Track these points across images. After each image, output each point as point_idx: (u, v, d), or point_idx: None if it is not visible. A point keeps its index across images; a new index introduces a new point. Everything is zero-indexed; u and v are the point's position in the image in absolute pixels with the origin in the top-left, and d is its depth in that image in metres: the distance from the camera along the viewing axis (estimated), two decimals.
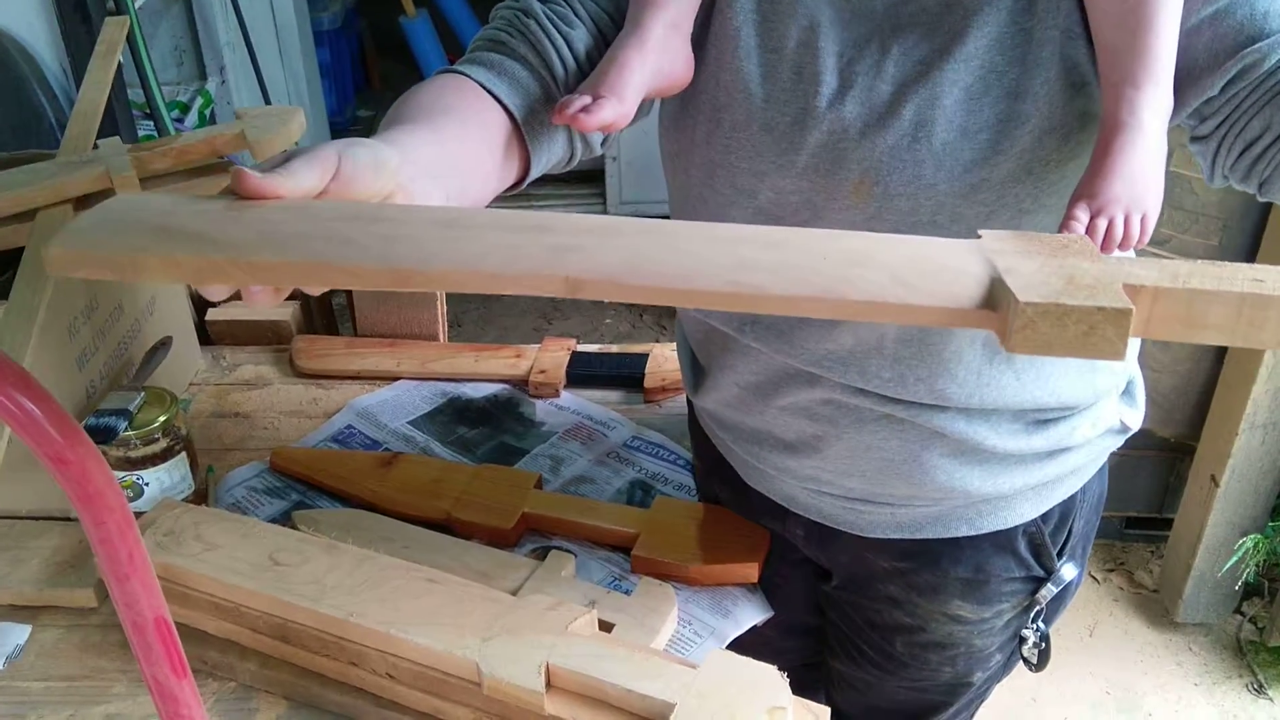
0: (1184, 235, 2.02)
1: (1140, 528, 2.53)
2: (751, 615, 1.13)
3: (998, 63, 0.81)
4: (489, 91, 0.87)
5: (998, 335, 0.50)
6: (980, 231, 0.58)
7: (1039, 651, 1.15)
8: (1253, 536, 2.17)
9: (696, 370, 1.13)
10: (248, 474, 1.30)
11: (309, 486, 1.27)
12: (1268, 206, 1.91)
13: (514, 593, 1.05)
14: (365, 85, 4.27)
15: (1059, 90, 0.81)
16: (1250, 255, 1.97)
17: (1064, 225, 0.71)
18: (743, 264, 0.54)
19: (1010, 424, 0.99)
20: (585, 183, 3.30)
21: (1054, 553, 1.09)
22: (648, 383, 1.44)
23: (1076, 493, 1.09)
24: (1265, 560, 2.21)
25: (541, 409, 1.42)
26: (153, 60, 2.33)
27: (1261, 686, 2.22)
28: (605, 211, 3.24)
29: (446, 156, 0.78)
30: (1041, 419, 1.00)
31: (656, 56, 0.85)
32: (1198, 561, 2.23)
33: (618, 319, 3.36)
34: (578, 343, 1.51)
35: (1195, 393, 2.18)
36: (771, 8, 0.88)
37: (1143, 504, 2.49)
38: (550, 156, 0.94)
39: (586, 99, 0.82)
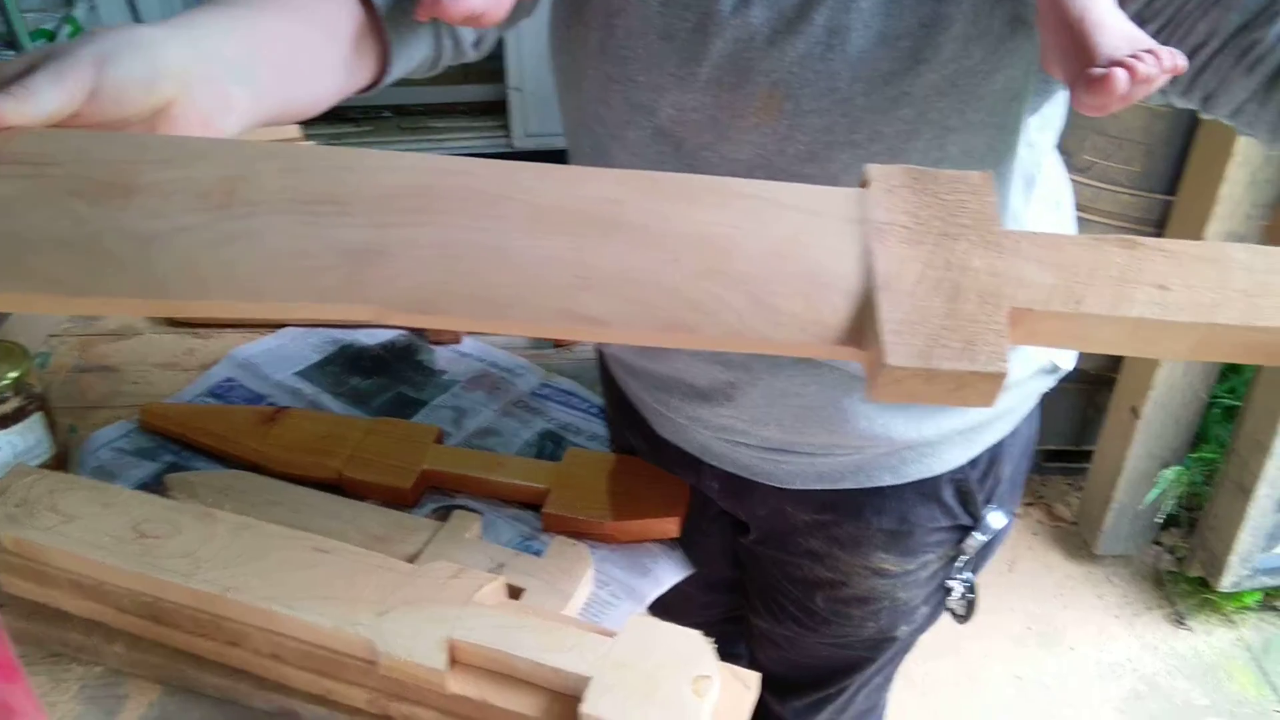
0: (1107, 162, 1.97)
1: (1059, 461, 2.52)
2: (672, 573, 1.05)
3: None
4: None
5: (865, 371, 0.45)
6: (868, 170, 0.51)
7: (966, 602, 1.10)
8: (1174, 468, 2.16)
9: None
10: (114, 434, 1.17)
11: (184, 446, 1.15)
12: (1190, 132, 1.87)
13: (413, 559, 0.96)
14: None
15: None
16: (1173, 180, 1.93)
17: (1091, 90, 0.59)
18: (580, 279, 0.46)
19: None
20: (488, 115, 3.15)
21: (981, 500, 1.03)
22: None
23: (1005, 437, 1.03)
24: (1185, 492, 2.20)
25: (442, 356, 1.31)
26: None
27: (1181, 617, 2.23)
28: (510, 146, 3.10)
29: (264, 49, 0.66)
30: None
31: None
32: (1117, 494, 2.21)
33: None
34: None
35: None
36: None
37: (1062, 437, 2.47)
38: (412, 55, 0.82)
39: None
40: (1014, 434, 1.03)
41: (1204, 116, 0.73)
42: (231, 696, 0.92)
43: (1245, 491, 1.98)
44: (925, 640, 2.13)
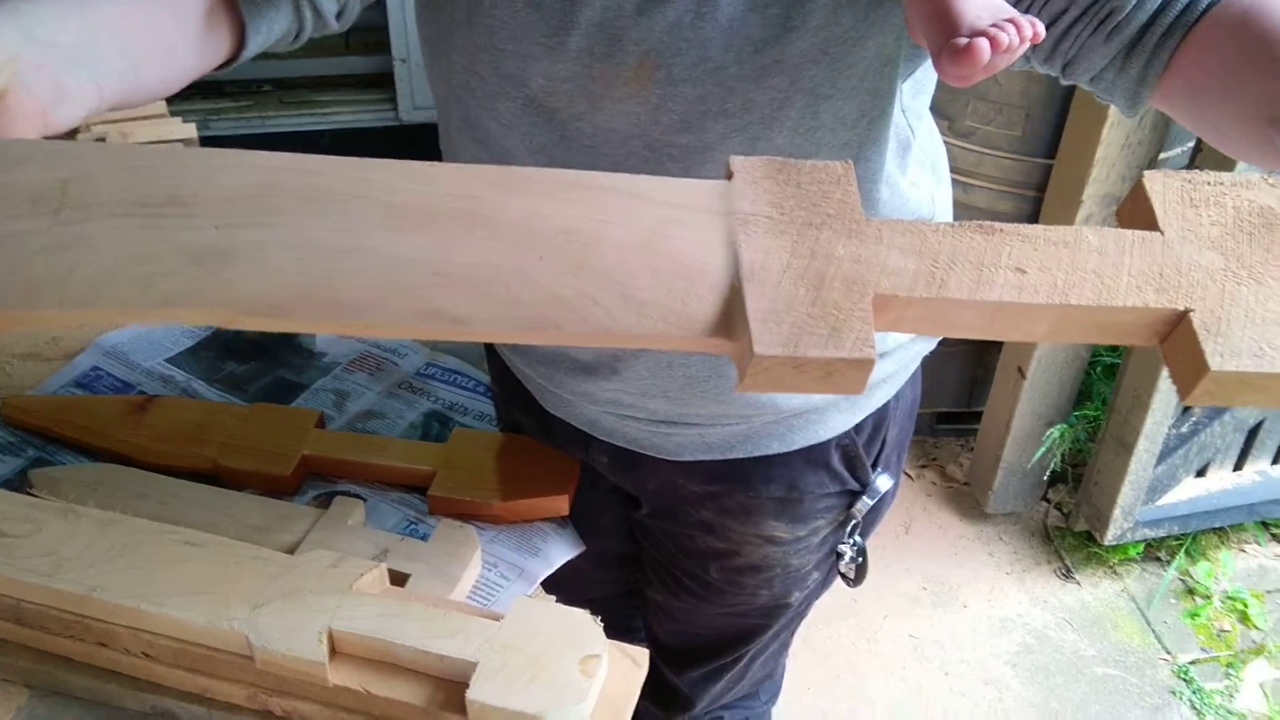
0: (988, 126, 2.00)
1: (950, 423, 2.56)
2: (563, 551, 1.04)
3: None
4: None
5: (734, 363, 0.45)
6: (732, 161, 0.51)
7: (856, 566, 1.11)
8: (1059, 426, 2.21)
9: None
10: None
11: (49, 440, 1.10)
12: (1069, 97, 1.90)
13: (292, 549, 0.93)
14: None
15: None
16: (1053, 144, 1.97)
17: (950, 61, 0.60)
18: (439, 276, 0.44)
19: None
20: (374, 87, 3.07)
21: (868, 464, 1.04)
22: None
23: (889, 401, 1.03)
24: (1070, 449, 2.26)
25: (322, 338, 1.27)
26: None
27: (1069, 571, 2.29)
28: (397, 119, 3.03)
29: (103, 32, 0.63)
30: None
31: None
32: (1006, 453, 2.26)
33: None
34: None
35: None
36: None
37: (952, 399, 2.51)
38: (271, 28, 0.78)
39: None
40: (898, 397, 1.04)
41: (1064, 83, 0.74)
42: (104, 698, 0.88)
43: (1126, 447, 2.04)
44: (823, 604, 2.16)
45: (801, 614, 1.22)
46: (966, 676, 2.07)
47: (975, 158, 2.03)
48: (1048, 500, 2.41)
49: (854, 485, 1.04)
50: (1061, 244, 0.49)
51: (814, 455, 1.00)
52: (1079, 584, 2.26)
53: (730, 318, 0.45)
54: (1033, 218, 2.06)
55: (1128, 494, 2.10)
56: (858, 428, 1.01)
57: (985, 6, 0.63)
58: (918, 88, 0.85)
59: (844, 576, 1.13)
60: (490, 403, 1.19)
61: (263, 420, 1.10)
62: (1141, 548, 2.28)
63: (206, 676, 0.85)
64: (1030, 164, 2.01)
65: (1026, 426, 2.22)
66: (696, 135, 0.77)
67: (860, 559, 1.10)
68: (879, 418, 1.03)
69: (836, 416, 0.99)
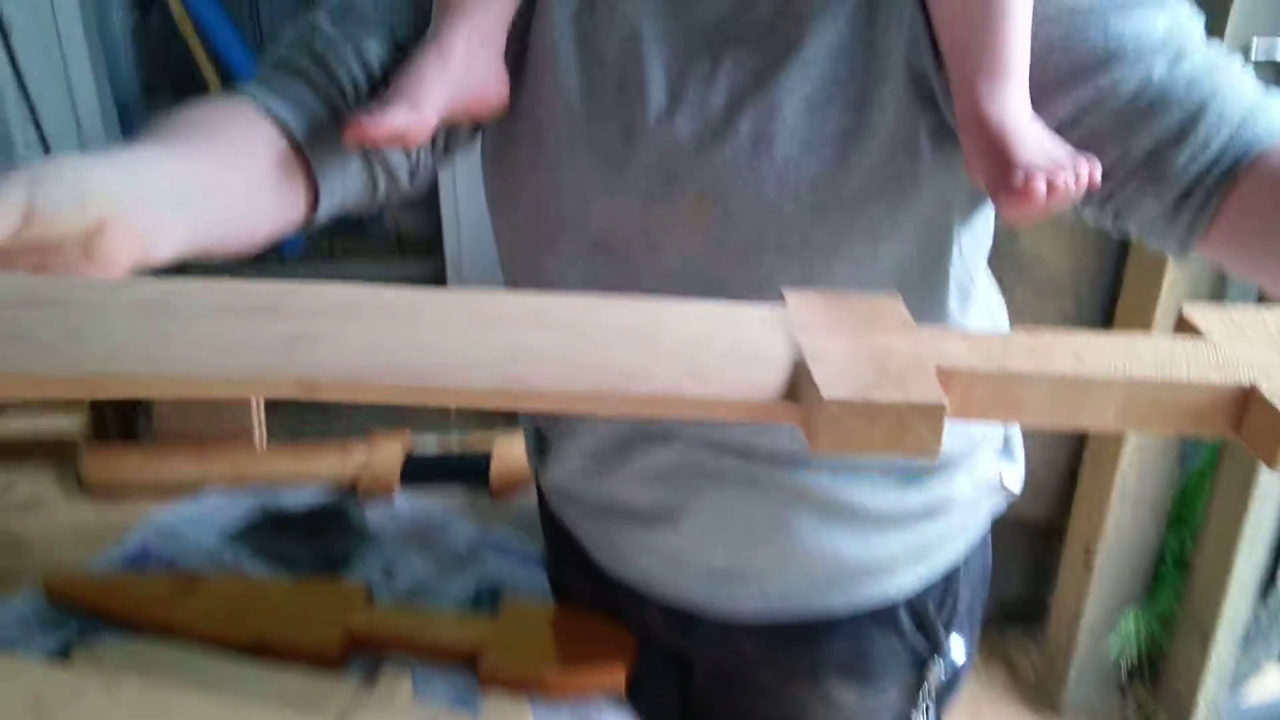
0: (1039, 304, 1.99)
1: (1016, 614, 2.46)
2: None
3: (839, 72, 0.74)
4: (266, 109, 0.75)
5: (802, 432, 0.46)
6: (785, 291, 0.53)
7: None
8: (1132, 614, 2.11)
9: (540, 442, 1.01)
10: (19, 604, 1.09)
11: (91, 616, 1.07)
12: (1119, 274, 1.91)
13: None
14: None
15: (908, 102, 0.74)
16: (1105, 324, 1.95)
17: (1011, 198, 0.63)
18: (513, 353, 0.47)
19: (881, 479, 0.90)
20: (422, 253, 3.05)
21: (940, 627, 0.99)
22: (494, 478, 1.29)
23: (959, 563, 0.99)
24: (1147, 638, 2.15)
25: (373, 517, 1.25)
26: None
27: None
28: (445, 283, 3.05)
29: (194, 180, 0.66)
30: (914, 473, 0.91)
31: (460, 68, 0.76)
32: (1078, 644, 2.16)
33: (463, 419, 3.21)
34: (411, 436, 1.36)
35: (1060, 469, 2.14)
36: (591, 21, 0.80)
37: (1017, 590, 2.42)
38: (345, 188, 0.80)
39: (378, 106, 0.72)
40: (967, 562, 1.00)
41: (1115, 234, 0.76)
42: None
43: (1205, 635, 1.94)
44: None
45: None
46: None
47: None
48: (1124, 695, 2.29)
49: (925, 649, 0.99)
50: (1114, 342, 0.50)
51: (882, 616, 0.96)
52: None
53: (797, 386, 0.46)
54: None
55: (1211, 684, 1.99)
56: (928, 588, 0.97)
57: (1042, 146, 0.65)
58: (976, 241, 0.85)
59: None
60: (542, 574, 1.15)
61: (309, 595, 1.08)
62: None
63: None
64: None
65: (1098, 617, 2.13)
66: (753, 269, 0.77)
67: None
68: (949, 579, 0.98)
69: (906, 574, 0.95)
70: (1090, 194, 0.70)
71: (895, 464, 0.89)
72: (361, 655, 1.03)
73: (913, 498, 0.91)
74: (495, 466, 1.31)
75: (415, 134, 0.73)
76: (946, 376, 0.47)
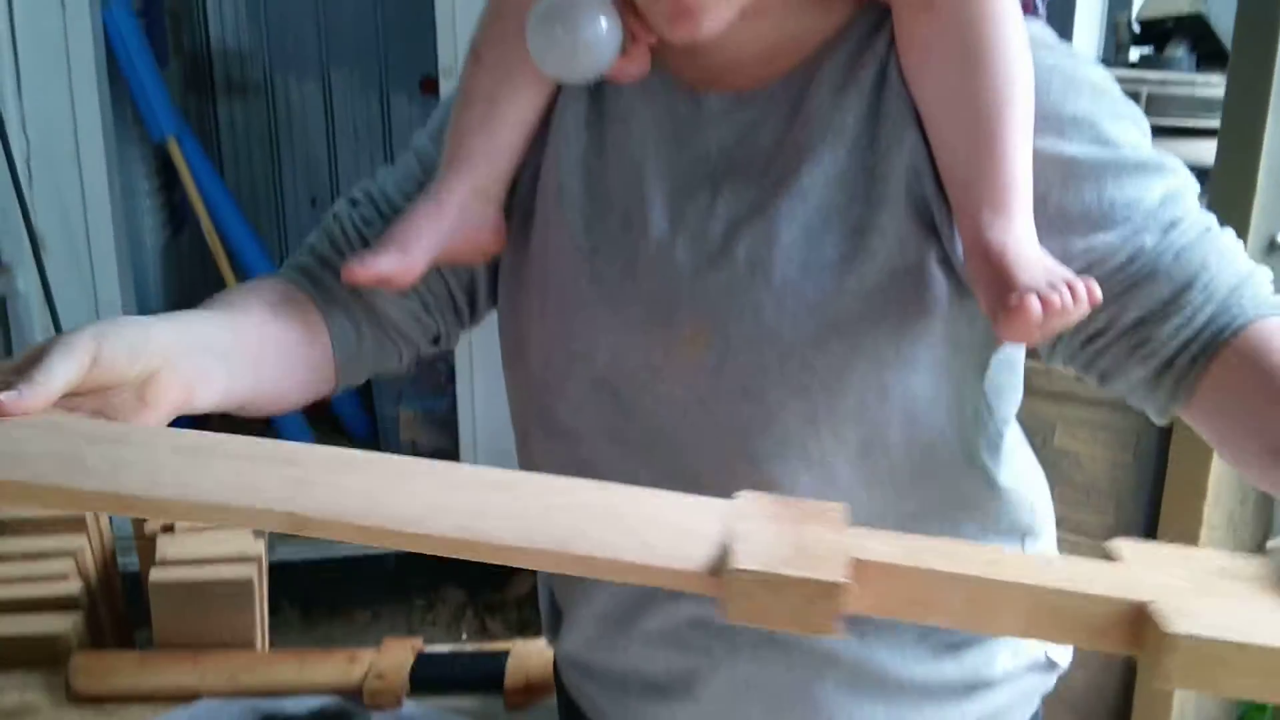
0: (1077, 514, 1.92)
1: None
2: None
3: (838, 199, 0.75)
4: (295, 284, 0.85)
5: (718, 602, 0.52)
6: (739, 494, 0.59)
7: None
8: None
9: (554, 612, 0.96)
10: None
11: None
12: (1160, 479, 1.85)
13: None
14: None
15: (910, 228, 0.74)
16: (1149, 531, 1.88)
17: (1008, 319, 0.65)
18: (478, 510, 0.56)
19: (914, 646, 0.85)
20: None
21: None
22: (509, 683, 1.21)
23: None
24: None
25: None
26: None
27: None
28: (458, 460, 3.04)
29: (239, 340, 0.77)
30: (951, 641, 0.86)
31: (453, 219, 0.80)
32: None
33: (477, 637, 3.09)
34: (424, 642, 1.29)
35: (1112, 691, 2.02)
36: (599, 160, 0.82)
37: None
38: (363, 358, 0.87)
39: (368, 252, 0.78)
40: None
41: (1100, 388, 0.78)
42: None
43: None
44: None
45: None
46: None
47: (1067, 546, 1.93)
48: None
49: None
50: (1029, 558, 0.61)
51: None
52: None
53: (720, 561, 0.52)
54: None
55: None
56: None
57: (1043, 270, 0.66)
58: (999, 393, 0.83)
59: None
60: None
61: None
62: None
63: None
64: None
65: None
66: (756, 403, 0.76)
67: None
68: None
69: None
70: (1078, 355, 0.75)
71: (930, 631, 0.84)
72: None
73: (949, 668, 0.85)
74: (512, 669, 1.22)
75: (401, 279, 0.78)
76: (862, 568, 0.52)
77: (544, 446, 0.86)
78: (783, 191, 0.75)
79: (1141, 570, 0.53)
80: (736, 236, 0.76)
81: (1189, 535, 1.75)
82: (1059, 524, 1.88)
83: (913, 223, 0.74)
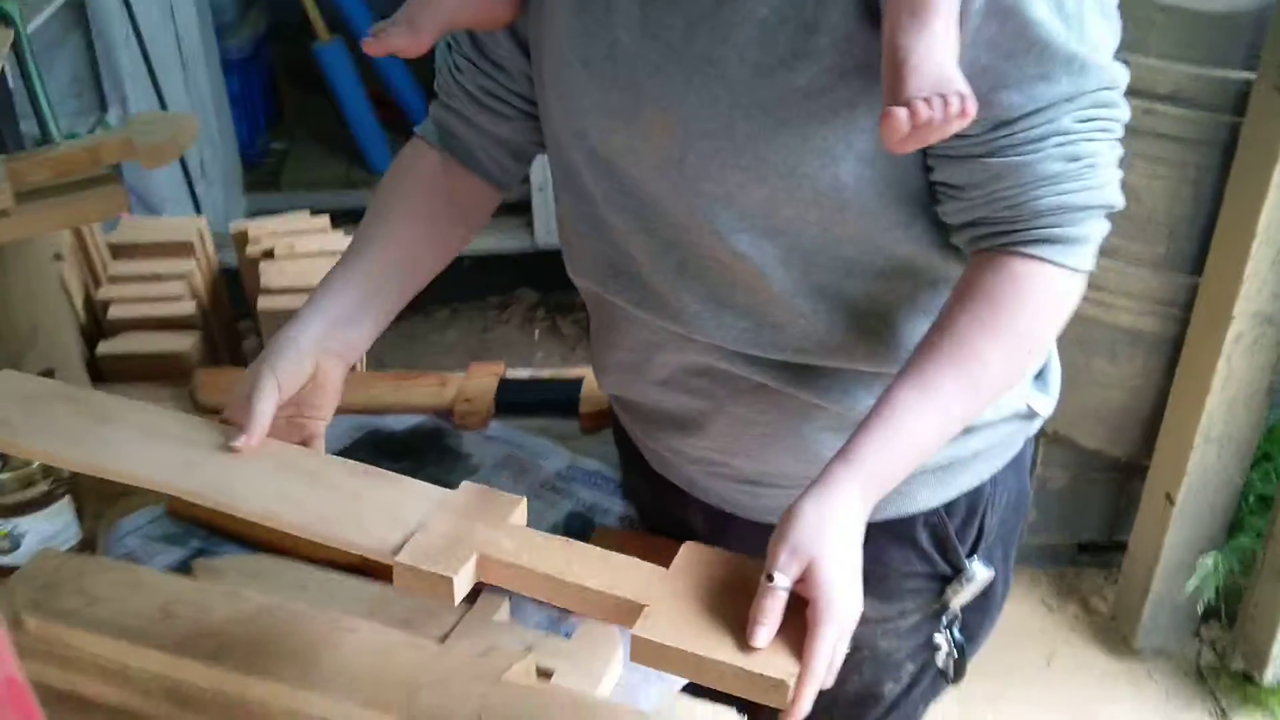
0: (1131, 244, 1.97)
1: (1093, 553, 2.47)
2: None
3: None
4: (439, 149, 1.04)
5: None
6: (464, 485, 0.85)
7: (954, 661, 1.08)
8: (1213, 555, 2.11)
9: (596, 351, 1.10)
10: (142, 520, 1.17)
11: (211, 532, 1.14)
12: (1214, 214, 1.88)
13: (441, 641, 0.94)
14: (278, 116, 4.04)
15: (858, 27, 0.78)
16: (1199, 261, 1.93)
17: (883, 127, 0.71)
18: (282, 495, 0.84)
19: None
20: (512, 214, 3.22)
21: (961, 549, 1.03)
22: (583, 408, 1.34)
23: (985, 485, 1.03)
24: (1224, 582, 2.16)
25: (469, 440, 1.31)
26: (48, 92, 2.20)
27: (1225, 713, 2.16)
28: (534, 244, 3.25)
29: (376, 292, 0.98)
30: None
31: None
32: (1155, 584, 2.17)
33: (548, 354, 3.27)
34: (506, 369, 1.41)
35: (1147, 408, 2.13)
36: None
37: (1094, 529, 2.43)
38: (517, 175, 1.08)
39: (383, 24, 0.87)
40: (995, 484, 1.04)
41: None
42: None
43: None
44: None
45: (904, 715, 1.17)
46: None
47: (1117, 275, 2.00)
48: (1200, 637, 2.30)
49: (945, 568, 1.03)
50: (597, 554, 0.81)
51: (899, 529, 1.00)
52: None
53: (397, 549, 0.78)
54: (1179, 337, 2.01)
55: None
56: (949, 508, 1.01)
57: (934, 80, 0.71)
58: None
59: (942, 672, 1.10)
60: (631, 504, 1.20)
61: None
62: None
63: None
64: (1176, 282, 1.98)
65: (1177, 557, 2.13)
66: (717, 184, 0.85)
67: (957, 654, 1.08)
68: (973, 501, 1.02)
69: (921, 491, 0.99)
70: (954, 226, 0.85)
71: None
72: None
73: None
74: (585, 395, 1.35)
75: (410, 51, 0.88)
76: (484, 561, 0.78)
77: (568, 203, 0.99)
78: None
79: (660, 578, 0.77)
80: (694, 33, 0.82)
81: (1235, 269, 1.80)
82: (1114, 254, 1.95)
83: (862, 21, 0.78)
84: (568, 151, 0.96)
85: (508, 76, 0.99)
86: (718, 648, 0.71)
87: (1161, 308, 2.01)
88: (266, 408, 0.87)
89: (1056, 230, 0.81)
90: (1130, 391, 2.13)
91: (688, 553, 0.80)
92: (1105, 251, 2.00)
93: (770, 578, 0.74)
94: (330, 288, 0.97)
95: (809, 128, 0.80)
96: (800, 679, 0.72)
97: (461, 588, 0.76)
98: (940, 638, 1.07)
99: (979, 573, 1.04)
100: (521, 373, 1.43)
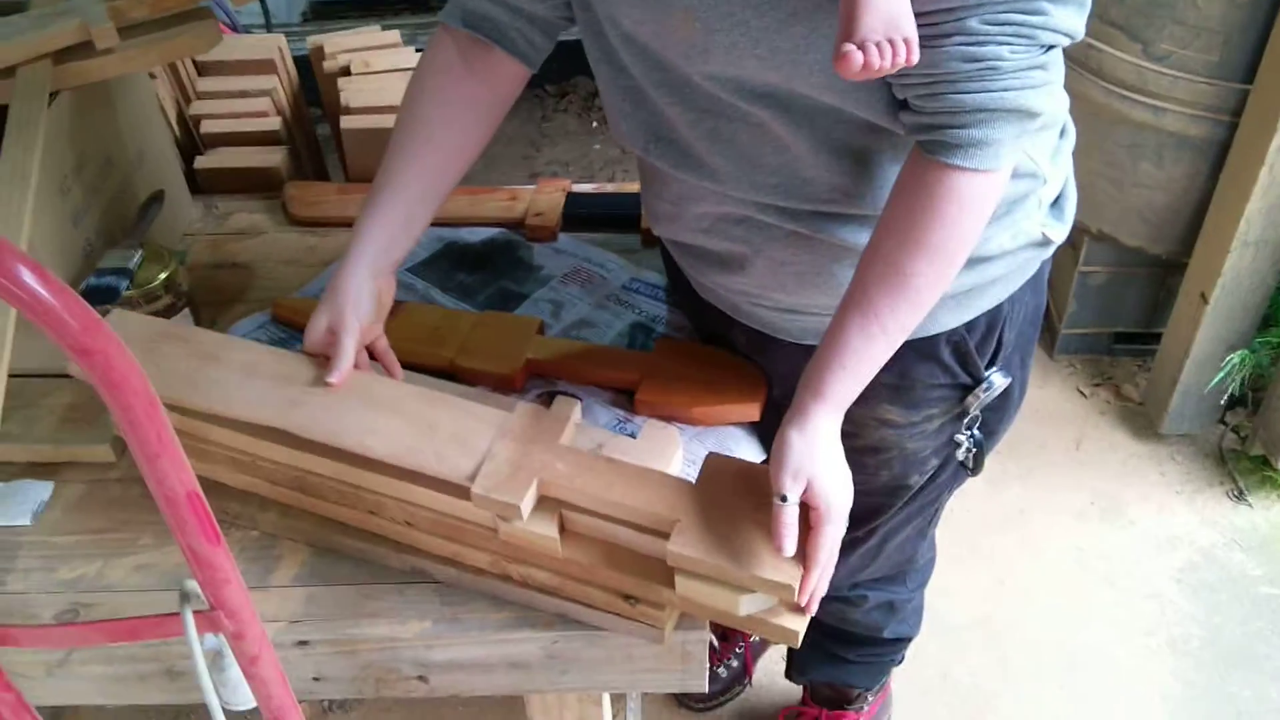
0: (1185, 51, 1.98)
1: (1129, 342, 2.57)
2: (752, 453, 1.16)
3: None
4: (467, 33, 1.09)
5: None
6: (519, 407, 1.00)
7: (973, 455, 1.22)
8: (1240, 352, 2.20)
9: (645, 198, 1.19)
10: (251, 326, 1.30)
11: None
12: (1269, 22, 1.87)
13: None
14: None
15: None
16: (1250, 70, 1.94)
17: (836, 62, 0.77)
18: (370, 429, 0.99)
19: None
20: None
21: (981, 362, 1.14)
22: (643, 223, 1.43)
23: (1004, 304, 1.12)
24: (1251, 374, 2.25)
25: (539, 252, 1.42)
26: None
27: (1242, 493, 2.30)
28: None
29: (418, 209, 1.10)
30: None
31: None
32: (1184, 375, 2.27)
33: (606, 144, 3.32)
34: (572, 183, 1.50)
35: (1188, 210, 2.18)
36: None
37: (1132, 320, 2.52)
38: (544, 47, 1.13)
39: None
40: (1014, 301, 1.13)
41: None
42: (372, 558, 1.06)
43: None
44: (993, 513, 2.25)
45: (930, 502, 1.32)
46: (1130, 590, 2.14)
47: (1169, 81, 2.02)
48: (1224, 424, 2.42)
49: (965, 379, 1.14)
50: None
51: (923, 347, 1.10)
52: (1250, 506, 2.28)
53: (472, 477, 0.94)
54: (1225, 143, 2.04)
55: None
56: (969, 326, 1.11)
57: (884, 19, 0.77)
58: None
59: (962, 465, 1.24)
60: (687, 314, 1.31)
61: (491, 326, 1.26)
62: None
63: (458, 544, 1.02)
64: (1227, 89, 1.99)
65: (1207, 350, 2.22)
66: (739, 69, 0.92)
67: (975, 449, 1.21)
68: (992, 319, 1.12)
69: (944, 314, 1.08)
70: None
71: None
72: (535, 381, 1.22)
73: None
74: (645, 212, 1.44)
75: None
76: (544, 484, 0.93)
77: (608, 75, 1.06)
78: None
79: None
80: None
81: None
82: (1167, 60, 1.97)
83: None
84: (604, 32, 1.02)
85: None
86: (734, 556, 0.90)
87: (1210, 114, 2.03)
88: (350, 344, 1.03)
89: (957, 131, 0.86)
90: (1174, 193, 2.18)
91: (710, 465, 0.98)
92: (1157, 57, 2.05)
93: (784, 499, 0.91)
94: (379, 213, 1.08)
95: (816, 18, 0.86)
96: (807, 569, 0.90)
97: (526, 509, 0.92)
98: (961, 436, 1.20)
99: (997, 381, 1.15)
100: (585, 187, 1.52)
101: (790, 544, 0.90)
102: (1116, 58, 2.07)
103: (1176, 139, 2.10)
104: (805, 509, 0.93)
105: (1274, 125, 1.87)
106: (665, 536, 0.91)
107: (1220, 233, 2.09)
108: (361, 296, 1.06)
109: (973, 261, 1.03)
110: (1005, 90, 0.85)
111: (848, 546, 1.36)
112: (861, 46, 0.76)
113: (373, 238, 1.08)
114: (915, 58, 0.78)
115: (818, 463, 0.93)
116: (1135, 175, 2.17)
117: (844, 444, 1.19)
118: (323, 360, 1.04)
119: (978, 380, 1.15)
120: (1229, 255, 2.07)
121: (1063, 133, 1.08)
